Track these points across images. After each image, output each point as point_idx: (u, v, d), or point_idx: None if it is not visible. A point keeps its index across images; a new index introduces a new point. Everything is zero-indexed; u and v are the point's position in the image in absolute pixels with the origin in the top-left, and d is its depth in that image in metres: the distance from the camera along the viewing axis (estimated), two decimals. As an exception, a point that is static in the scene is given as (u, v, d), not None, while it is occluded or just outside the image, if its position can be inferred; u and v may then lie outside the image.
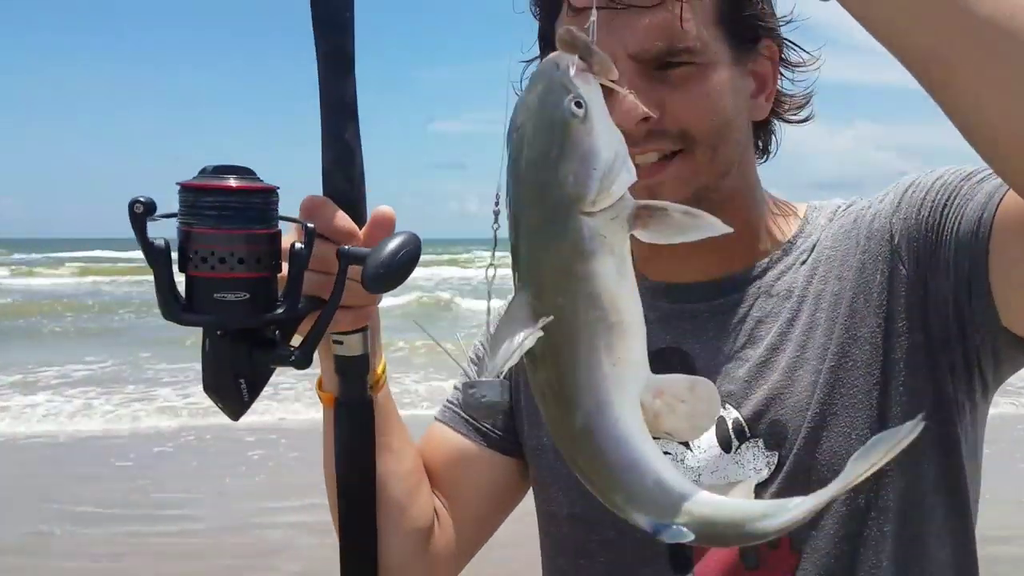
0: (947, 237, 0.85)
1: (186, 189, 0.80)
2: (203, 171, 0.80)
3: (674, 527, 0.61)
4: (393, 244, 0.81)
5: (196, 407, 7.61)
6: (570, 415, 0.60)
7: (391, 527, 0.98)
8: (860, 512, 0.90)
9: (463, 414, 1.09)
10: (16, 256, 39.95)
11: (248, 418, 0.88)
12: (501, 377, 0.67)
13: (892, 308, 0.90)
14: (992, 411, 0.98)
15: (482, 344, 1.13)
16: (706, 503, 0.61)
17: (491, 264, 0.81)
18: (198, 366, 0.84)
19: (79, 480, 5.83)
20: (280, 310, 0.82)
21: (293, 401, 7.61)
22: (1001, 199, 0.80)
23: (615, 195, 0.58)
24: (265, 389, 0.86)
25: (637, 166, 0.71)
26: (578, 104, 0.56)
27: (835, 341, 0.92)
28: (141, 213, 0.77)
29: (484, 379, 0.85)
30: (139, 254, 0.78)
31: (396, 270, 0.80)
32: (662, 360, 0.89)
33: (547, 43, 0.98)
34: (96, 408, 7.91)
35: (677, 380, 0.62)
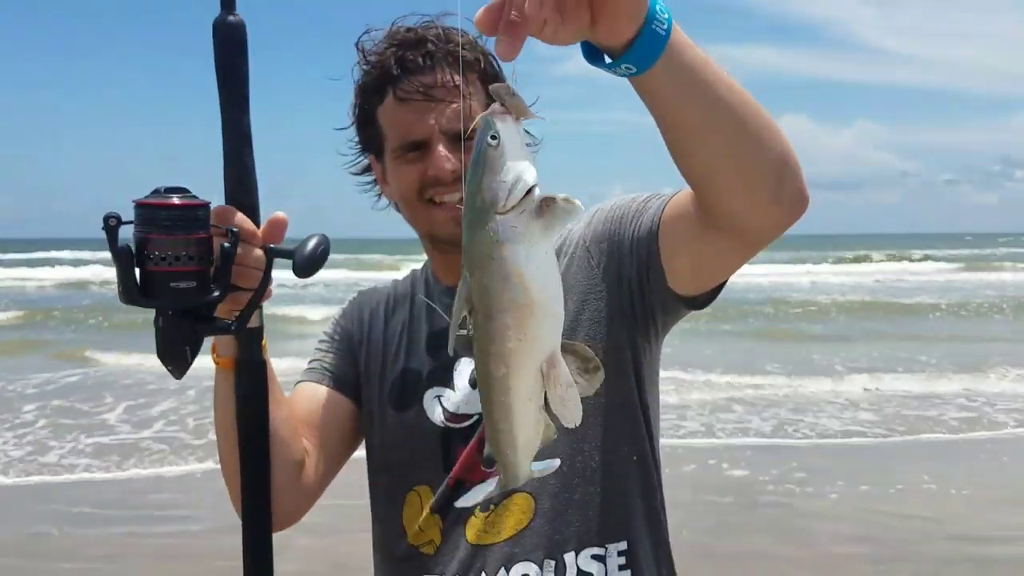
0: (630, 236, 1.27)
1: (143, 206, 1.06)
2: (156, 191, 1.07)
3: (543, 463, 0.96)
4: (313, 242, 1.17)
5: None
6: (486, 376, 0.83)
7: (278, 461, 1.31)
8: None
9: (326, 370, 1.47)
10: (13, 256, 39.76)
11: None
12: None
13: (581, 286, 1.32)
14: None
15: (339, 323, 1.54)
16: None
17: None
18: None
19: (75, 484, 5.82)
20: (216, 293, 1.11)
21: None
22: (664, 208, 1.23)
23: (517, 198, 0.78)
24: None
25: (444, 203, 1.34)
26: (493, 137, 0.77)
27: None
28: (115, 226, 1.05)
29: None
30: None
31: (318, 261, 1.17)
32: (440, 335, 1.40)
33: (366, 119, 1.41)
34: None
35: (568, 373, 0.84)
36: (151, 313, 1.11)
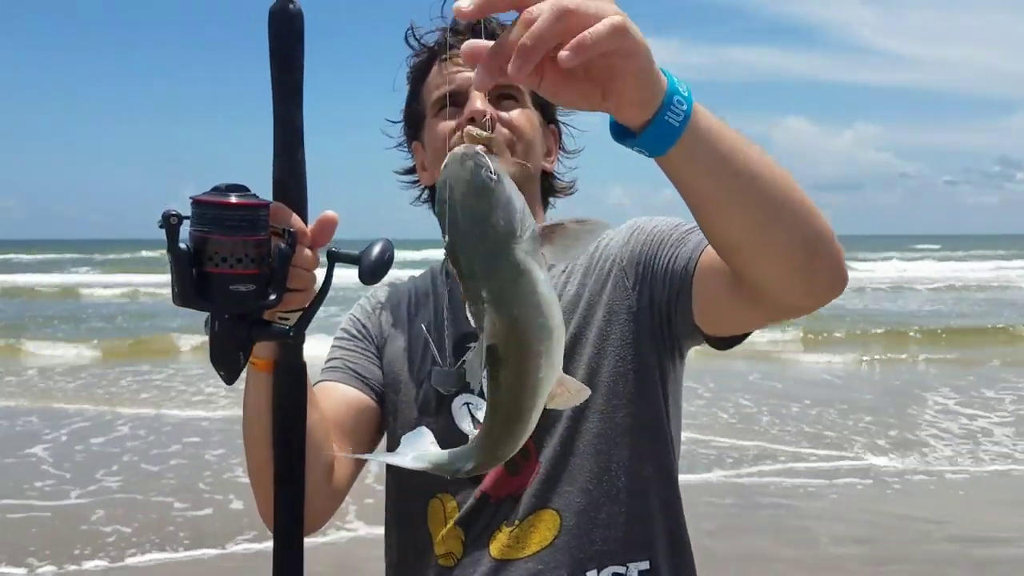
0: (665, 265, 1.27)
1: (204, 204, 0.99)
2: (216, 189, 1.01)
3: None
4: (378, 248, 1.14)
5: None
6: (514, 403, 0.85)
7: (312, 465, 1.25)
8: (574, 436, 1.30)
9: (352, 370, 1.43)
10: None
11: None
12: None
13: (614, 304, 1.32)
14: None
15: (360, 320, 1.50)
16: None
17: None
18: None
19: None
20: (273, 296, 1.05)
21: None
22: (702, 252, 1.20)
23: (531, 226, 0.79)
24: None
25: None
26: (493, 173, 0.76)
27: (573, 324, 1.32)
28: (176, 224, 0.99)
29: (445, 369, 1.34)
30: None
31: (384, 266, 1.14)
32: (465, 339, 1.37)
33: (413, 97, 1.42)
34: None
35: (572, 382, 0.89)
36: None
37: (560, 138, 1.47)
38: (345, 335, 1.48)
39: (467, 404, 1.35)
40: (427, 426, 1.30)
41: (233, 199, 1.00)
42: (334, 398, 1.39)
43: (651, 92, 0.80)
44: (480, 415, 1.31)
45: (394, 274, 1.43)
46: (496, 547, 1.30)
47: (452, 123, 1.31)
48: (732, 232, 0.96)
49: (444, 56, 1.35)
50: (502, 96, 1.34)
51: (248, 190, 1.02)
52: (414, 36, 1.40)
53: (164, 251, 1.00)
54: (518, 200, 0.79)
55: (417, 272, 1.55)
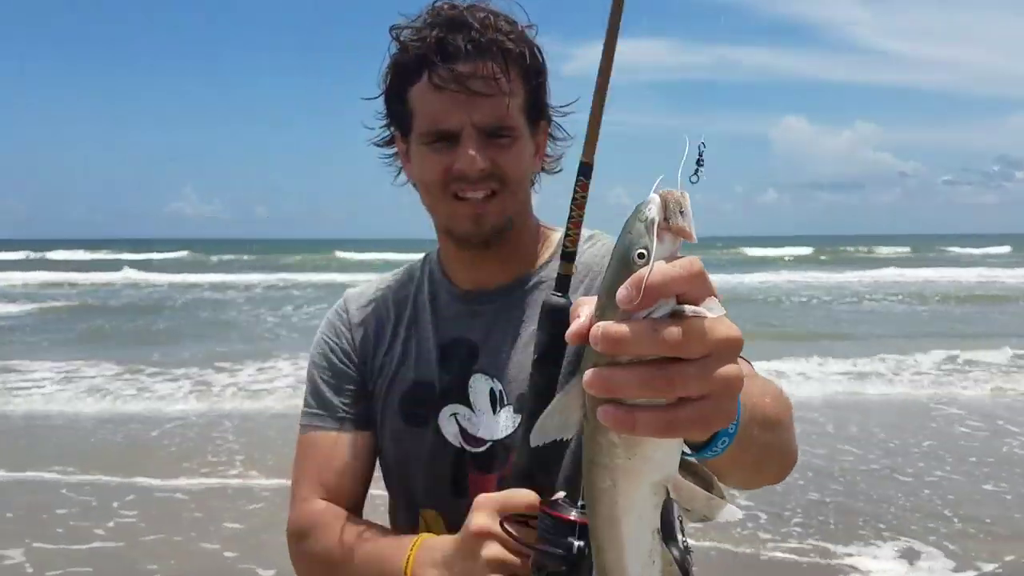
0: None
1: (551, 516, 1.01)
2: (553, 502, 1.01)
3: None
4: None
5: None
6: (591, 485, 0.71)
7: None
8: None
9: (345, 416, 1.39)
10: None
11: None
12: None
13: None
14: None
15: (333, 344, 1.44)
16: None
17: None
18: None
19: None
20: None
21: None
22: None
23: (657, 314, 0.64)
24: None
25: (468, 199, 1.27)
26: (641, 254, 0.62)
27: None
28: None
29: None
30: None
31: None
32: (451, 345, 1.35)
33: (397, 96, 1.31)
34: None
35: (697, 492, 0.70)
36: None
37: (550, 127, 1.39)
38: (323, 362, 1.43)
39: (455, 415, 1.33)
40: (414, 436, 1.33)
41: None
42: (334, 452, 1.37)
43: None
44: (469, 425, 1.31)
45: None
46: None
47: (442, 164, 1.26)
48: (736, 480, 1.01)
49: (436, 82, 1.23)
50: (494, 134, 1.26)
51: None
52: (398, 39, 1.29)
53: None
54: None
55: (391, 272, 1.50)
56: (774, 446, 1.00)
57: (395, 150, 1.40)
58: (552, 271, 1.28)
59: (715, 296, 0.62)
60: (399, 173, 1.40)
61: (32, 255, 42.45)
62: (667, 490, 0.68)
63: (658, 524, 0.72)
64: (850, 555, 4.41)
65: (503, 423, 1.30)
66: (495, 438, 1.30)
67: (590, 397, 0.64)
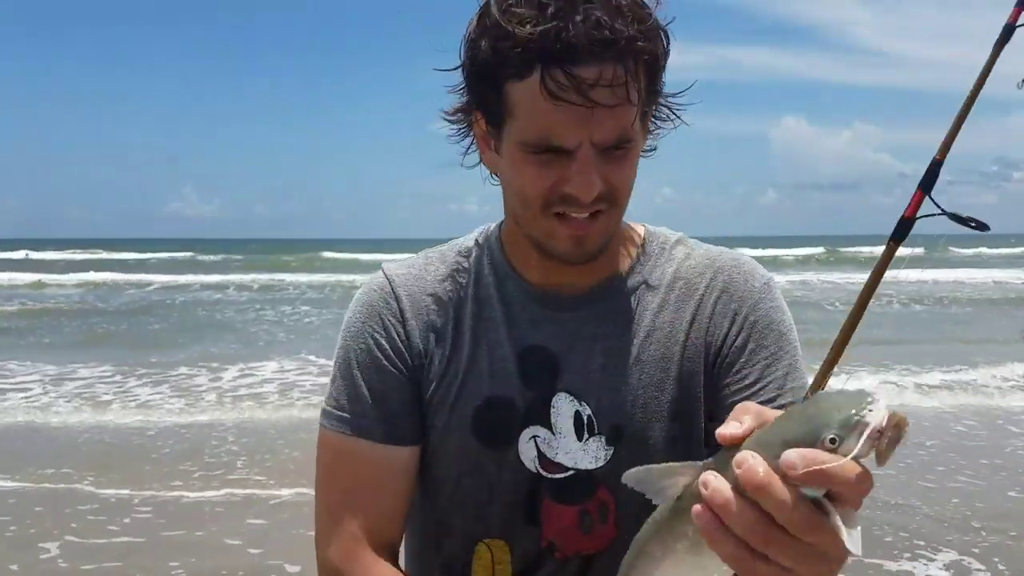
0: (748, 360, 1.17)
1: None
2: None
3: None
4: None
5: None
6: (643, 544, 0.73)
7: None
8: None
9: (390, 425, 1.18)
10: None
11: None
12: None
13: (709, 347, 1.18)
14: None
15: (377, 334, 1.21)
16: None
17: None
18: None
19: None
20: None
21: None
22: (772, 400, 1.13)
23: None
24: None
25: (573, 218, 1.07)
26: (832, 440, 0.60)
27: (674, 363, 1.18)
28: None
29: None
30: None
31: None
32: (529, 355, 1.18)
33: (490, 83, 1.06)
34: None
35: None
36: None
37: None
38: (366, 360, 1.19)
39: (535, 437, 1.17)
40: (492, 459, 1.17)
41: None
42: (374, 466, 1.17)
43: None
44: (548, 449, 1.16)
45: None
46: None
47: (548, 180, 1.06)
48: None
49: (553, 90, 1.00)
50: (614, 146, 1.06)
51: None
52: (499, 13, 1.02)
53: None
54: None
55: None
56: None
57: (465, 125, 1.17)
58: (641, 273, 1.22)
59: (857, 522, 0.60)
60: (467, 152, 1.18)
61: (32, 255, 42.39)
62: None
63: None
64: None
65: (592, 452, 1.17)
66: (579, 467, 1.17)
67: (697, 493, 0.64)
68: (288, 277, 25.34)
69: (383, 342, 1.19)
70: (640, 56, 1.02)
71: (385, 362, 1.19)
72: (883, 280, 1.24)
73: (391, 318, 1.20)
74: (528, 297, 1.21)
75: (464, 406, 1.17)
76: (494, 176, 1.18)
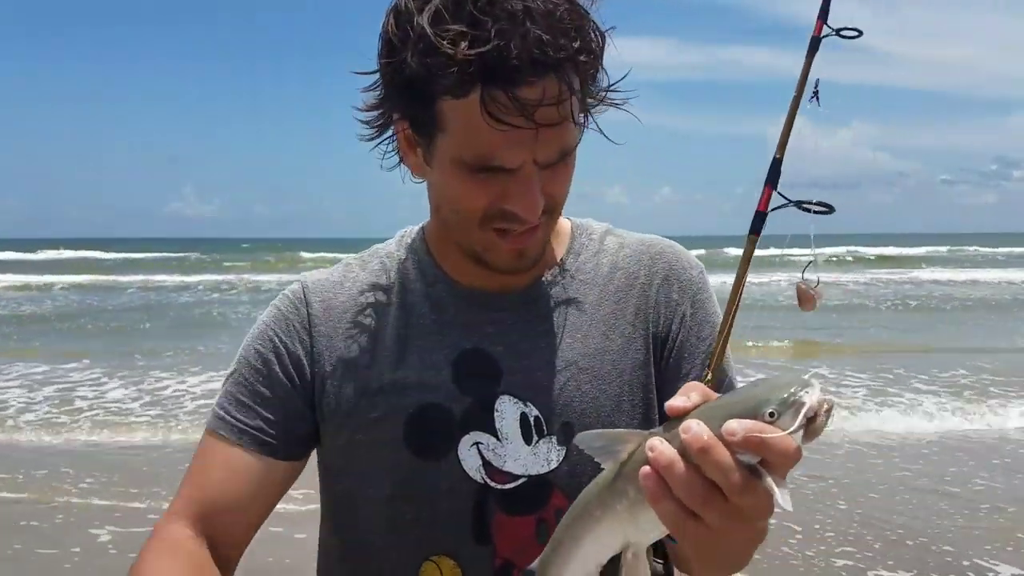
0: (689, 355, 1.17)
1: None
2: None
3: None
4: None
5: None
6: (584, 506, 0.78)
7: None
8: None
9: (264, 436, 1.13)
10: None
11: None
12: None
13: (655, 337, 1.18)
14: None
15: (275, 338, 1.17)
16: None
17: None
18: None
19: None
20: None
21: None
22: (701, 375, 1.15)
23: None
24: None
25: (507, 231, 1.04)
26: (771, 414, 0.67)
27: (620, 355, 1.16)
28: None
29: None
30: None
31: None
32: (465, 360, 1.12)
33: (419, 94, 0.99)
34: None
35: (641, 573, 0.78)
36: None
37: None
38: (259, 365, 1.14)
39: (477, 444, 1.11)
40: (428, 472, 1.10)
41: None
42: (232, 470, 1.12)
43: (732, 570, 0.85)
44: (494, 457, 1.10)
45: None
46: None
47: (487, 197, 1.02)
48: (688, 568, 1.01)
49: (494, 112, 0.94)
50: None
51: None
52: (429, 27, 0.94)
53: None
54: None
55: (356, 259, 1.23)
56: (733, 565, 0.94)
57: (384, 128, 1.09)
58: (574, 268, 1.20)
59: (787, 486, 0.67)
60: (386, 156, 1.12)
61: (31, 255, 42.39)
62: (629, 555, 0.76)
63: (602, 564, 0.79)
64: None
65: (543, 455, 1.11)
66: (530, 473, 1.11)
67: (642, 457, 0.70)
68: (288, 277, 25.32)
69: (281, 349, 1.14)
70: (581, 69, 0.98)
71: (278, 369, 1.14)
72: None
73: (297, 324, 1.15)
74: (461, 300, 1.16)
75: (394, 417, 1.11)
76: (416, 179, 1.12)
